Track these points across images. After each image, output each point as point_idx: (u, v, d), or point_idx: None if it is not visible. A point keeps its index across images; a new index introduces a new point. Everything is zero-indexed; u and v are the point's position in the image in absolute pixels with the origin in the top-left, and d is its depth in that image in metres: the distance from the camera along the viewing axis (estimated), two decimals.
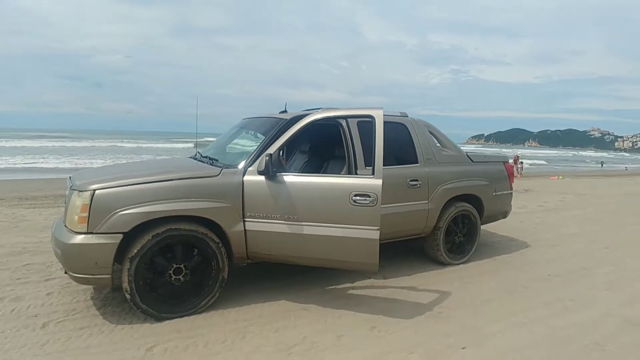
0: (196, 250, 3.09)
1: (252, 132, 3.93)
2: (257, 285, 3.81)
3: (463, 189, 4.49)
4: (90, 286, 3.56)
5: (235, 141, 4.13)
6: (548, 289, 4.02)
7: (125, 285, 2.89)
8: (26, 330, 2.89)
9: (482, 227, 5.00)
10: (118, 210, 2.80)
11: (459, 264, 4.61)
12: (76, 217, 2.78)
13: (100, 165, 12.14)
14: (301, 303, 3.44)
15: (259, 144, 3.36)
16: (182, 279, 3.07)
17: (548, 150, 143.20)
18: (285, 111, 3.92)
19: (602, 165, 45.44)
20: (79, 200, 2.80)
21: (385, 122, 3.78)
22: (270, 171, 3.06)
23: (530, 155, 59.21)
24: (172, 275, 3.03)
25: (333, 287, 3.83)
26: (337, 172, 3.87)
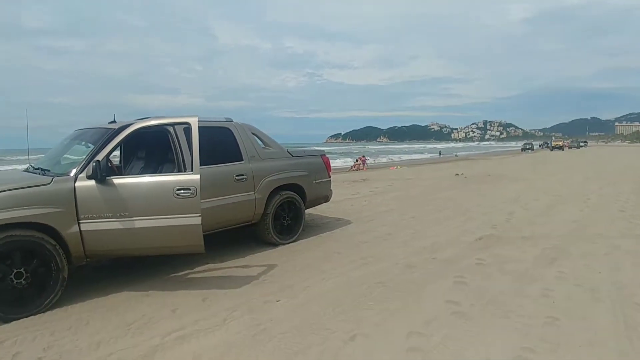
0: (35, 253, 3.35)
1: (84, 143, 4.23)
2: (100, 282, 4.14)
3: (285, 180, 5.41)
4: None
5: (68, 152, 4.36)
6: (356, 252, 5.15)
7: None
8: None
9: (315, 210, 6.01)
10: None
11: (288, 243, 5.52)
12: None
13: None
14: (143, 291, 3.92)
15: (88, 152, 3.74)
16: (23, 282, 3.31)
17: (398, 145, 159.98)
18: (114, 121, 4.32)
19: (439, 154, 53.38)
20: None
21: (211, 127, 4.47)
22: (99, 175, 3.50)
23: (398, 151, 66.49)
24: (14, 279, 3.26)
25: (173, 274, 4.38)
26: (170, 172, 4.41)
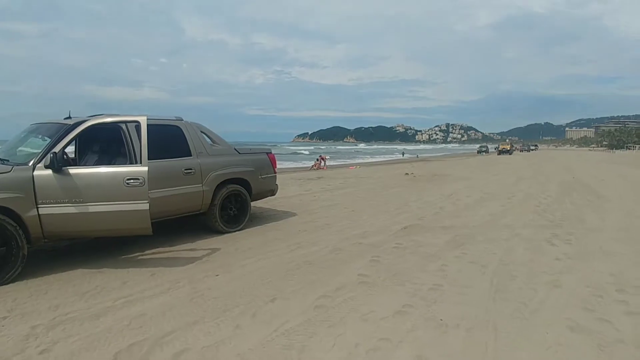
0: None
1: (40, 136, 4.68)
2: (58, 261, 4.61)
3: (231, 174, 6.01)
4: None
5: (25, 143, 4.79)
6: (294, 239, 5.80)
7: None
8: None
9: (265, 204, 6.60)
10: None
11: (235, 231, 6.12)
12: None
13: None
14: (96, 269, 4.42)
15: (45, 145, 4.22)
16: None
17: (367, 145, 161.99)
18: (69, 117, 4.77)
19: (403, 154, 55.16)
20: None
21: (162, 125, 5.01)
22: (56, 165, 3.99)
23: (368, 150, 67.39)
24: None
25: (125, 255, 4.90)
26: (122, 164, 4.91)
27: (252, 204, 6.72)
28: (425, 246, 5.38)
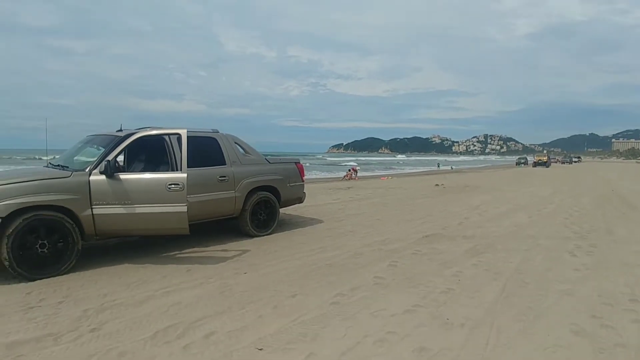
0: (57, 229, 4.39)
1: (95, 146, 5.30)
2: (107, 257, 5.17)
3: (261, 182, 6.47)
4: None
5: (81, 152, 5.44)
6: (318, 244, 6.16)
7: (4, 255, 4.08)
8: None
9: (294, 211, 7.01)
10: None
11: (263, 235, 6.55)
12: None
13: None
14: (140, 264, 4.95)
15: (100, 153, 4.80)
16: (46, 251, 4.34)
17: (406, 156, 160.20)
18: (121, 130, 5.37)
19: (438, 166, 54.56)
20: None
21: (199, 137, 5.53)
22: (109, 172, 4.55)
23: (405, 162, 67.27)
24: (39, 248, 4.29)
25: (165, 254, 5.41)
26: (164, 171, 5.45)
27: (281, 210, 7.15)
28: (444, 254, 5.59)
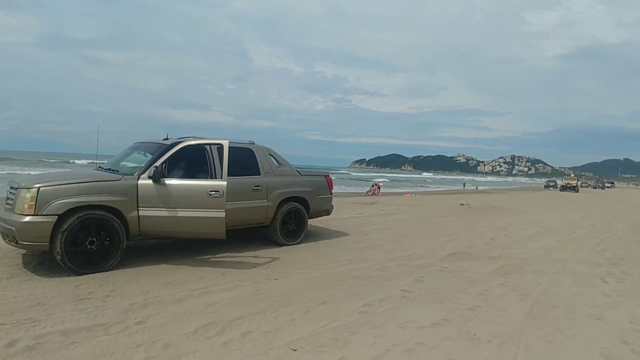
0: (105, 228, 4.70)
1: (142, 152, 5.65)
2: (148, 257, 5.46)
3: (292, 193, 6.69)
4: (20, 256, 4.88)
5: (129, 158, 5.79)
6: (345, 255, 6.31)
7: (57, 249, 4.41)
8: None
9: (320, 224, 7.19)
10: (54, 200, 4.36)
11: (292, 245, 6.74)
12: (26, 205, 4.27)
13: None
14: (177, 265, 5.21)
15: (148, 160, 5.14)
16: (94, 247, 4.65)
17: (433, 174, 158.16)
18: (167, 138, 5.71)
19: (464, 185, 53.88)
20: (28, 194, 4.30)
21: (237, 148, 5.82)
22: (157, 177, 4.86)
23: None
24: (88, 245, 4.61)
25: (200, 257, 5.67)
26: (205, 178, 5.73)
27: (309, 222, 7.34)
28: (470, 272, 5.65)
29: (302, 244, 6.90)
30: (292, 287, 4.59)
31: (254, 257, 5.90)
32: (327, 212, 7.58)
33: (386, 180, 43.47)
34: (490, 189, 46.65)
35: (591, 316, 4.14)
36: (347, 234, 8.18)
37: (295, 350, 3.10)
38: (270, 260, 5.72)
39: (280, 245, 6.62)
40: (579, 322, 3.96)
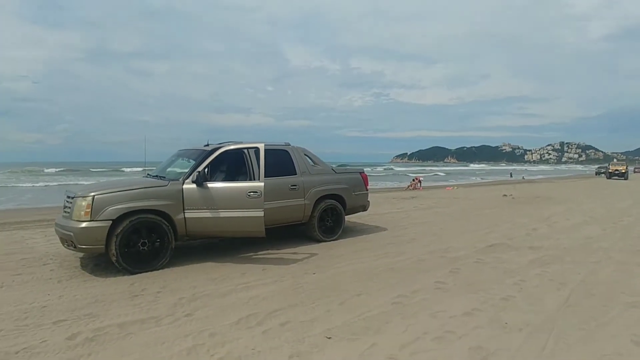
0: (155, 230, 5.13)
1: (186, 159, 6.08)
2: (193, 256, 5.88)
3: (328, 190, 6.93)
4: (78, 259, 5.42)
5: (174, 164, 6.24)
6: (382, 250, 6.47)
7: (113, 251, 4.87)
8: (47, 284, 4.74)
9: (359, 219, 7.38)
10: (108, 206, 4.81)
11: (330, 241, 6.98)
12: (83, 212, 4.75)
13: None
14: (221, 262, 5.58)
15: (191, 165, 5.54)
16: (146, 248, 5.10)
17: (478, 165, 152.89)
18: (207, 145, 6.10)
19: (511, 175, 52.09)
20: (84, 202, 4.77)
21: (274, 150, 6.13)
22: (200, 181, 5.24)
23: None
24: (140, 246, 5.05)
25: (242, 254, 6.03)
26: (244, 180, 6.07)
27: (347, 218, 7.55)
28: (507, 263, 5.66)
29: (340, 240, 7.12)
30: (328, 280, 4.82)
31: (293, 253, 6.19)
32: (364, 207, 7.75)
33: (440, 173, 42.38)
34: (537, 178, 44.86)
35: (627, 304, 4.10)
36: (385, 229, 8.31)
37: (329, 338, 3.32)
38: (309, 256, 5.98)
39: (319, 241, 6.87)
40: (614, 310, 3.94)
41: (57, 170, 49.64)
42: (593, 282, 4.83)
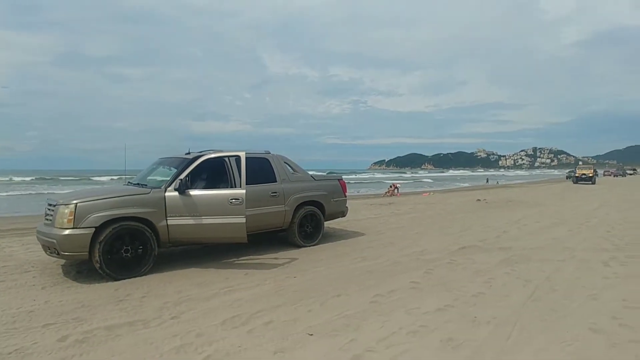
0: (138, 237, 5.23)
1: (167, 167, 6.20)
2: (177, 262, 5.98)
3: (308, 197, 7.15)
4: (60, 266, 5.46)
5: (155, 172, 6.35)
6: (360, 253, 6.71)
7: (96, 258, 4.94)
8: (31, 290, 4.77)
9: (337, 225, 7.61)
10: (91, 214, 4.90)
11: (310, 246, 7.18)
12: (65, 219, 4.82)
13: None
14: (204, 268, 5.71)
15: (173, 173, 5.67)
16: (129, 255, 5.19)
17: (454, 171, 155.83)
18: (189, 153, 6.24)
19: (487, 181, 53.14)
20: (67, 210, 4.84)
21: (254, 158, 6.31)
22: (181, 189, 5.38)
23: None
24: (124, 253, 5.14)
25: (225, 260, 6.17)
26: (226, 187, 6.20)
27: (326, 224, 7.77)
28: (478, 263, 5.97)
29: (320, 245, 7.32)
30: (309, 283, 5.01)
31: (275, 258, 6.36)
32: (343, 213, 7.99)
33: (430, 180, 42.86)
34: (511, 183, 46.18)
35: (587, 297, 4.43)
36: (362, 234, 8.56)
37: (311, 335, 3.52)
38: (290, 261, 6.16)
39: (299, 246, 7.06)
40: (574, 303, 4.27)
41: (30, 179, 48.11)
42: (557, 279, 5.16)
